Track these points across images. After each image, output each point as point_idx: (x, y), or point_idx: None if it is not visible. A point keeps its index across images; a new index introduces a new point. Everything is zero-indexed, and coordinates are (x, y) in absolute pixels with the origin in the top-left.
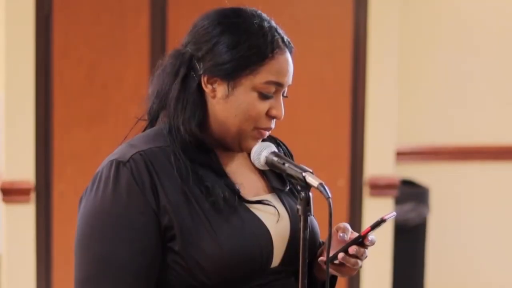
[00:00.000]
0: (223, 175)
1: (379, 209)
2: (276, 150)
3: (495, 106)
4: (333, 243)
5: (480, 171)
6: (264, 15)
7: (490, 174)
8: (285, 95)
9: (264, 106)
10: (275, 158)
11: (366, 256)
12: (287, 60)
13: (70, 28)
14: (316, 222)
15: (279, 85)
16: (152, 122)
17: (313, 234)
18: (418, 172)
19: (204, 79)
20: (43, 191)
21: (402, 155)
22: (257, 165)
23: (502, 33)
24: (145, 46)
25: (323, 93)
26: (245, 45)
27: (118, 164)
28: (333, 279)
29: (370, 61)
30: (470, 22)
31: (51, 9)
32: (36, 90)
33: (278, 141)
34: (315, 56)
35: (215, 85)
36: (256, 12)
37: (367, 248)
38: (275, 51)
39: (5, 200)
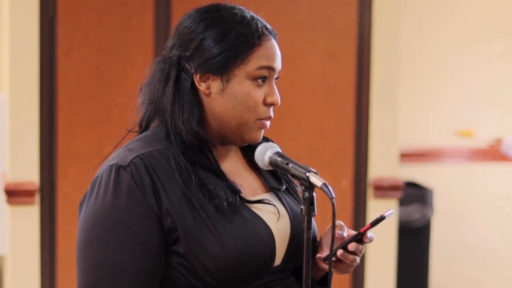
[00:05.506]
0: (223, 177)
1: (383, 210)
2: (280, 150)
3: (498, 107)
4: (330, 240)
5: (484, 172)
6: (243, 7)
7: (494, 175)
8: (276, 77)
9: (259, 94)
10: (279, 159)
11: (363, 253)
12: (274, 45)
13: (74, 30)
14: (314, 221)
15: (270, 69)
16: (145, 129)
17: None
18: (422, 174)
19: (196, 78)
20: (47, 192)
21: (406, 157)
22: (260, 165)
23: (502, 36)
24: (149, 47)
25: (328, 94)
26: (232, 35)
27: (119, 168)
28: (326, 277)
29: (374, 62)
30: (472, 26)
31: (55, 12)
32: (40, 91)
33: (269, 141)
34: (319, 58)
35: (209, 82)
36: (235, 5)
37: (364, 245)
38: (261, 38)
39: (10, 202)
